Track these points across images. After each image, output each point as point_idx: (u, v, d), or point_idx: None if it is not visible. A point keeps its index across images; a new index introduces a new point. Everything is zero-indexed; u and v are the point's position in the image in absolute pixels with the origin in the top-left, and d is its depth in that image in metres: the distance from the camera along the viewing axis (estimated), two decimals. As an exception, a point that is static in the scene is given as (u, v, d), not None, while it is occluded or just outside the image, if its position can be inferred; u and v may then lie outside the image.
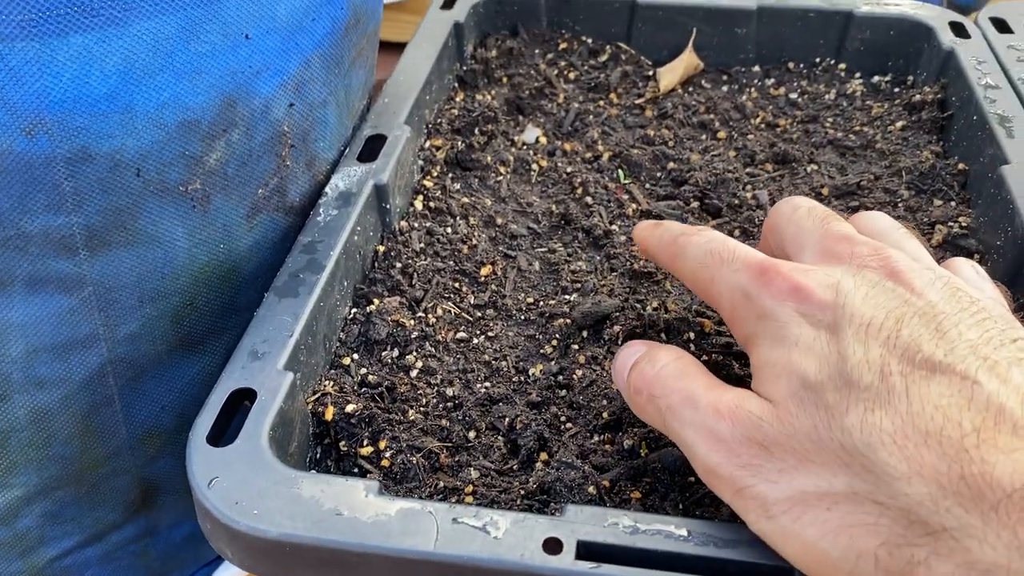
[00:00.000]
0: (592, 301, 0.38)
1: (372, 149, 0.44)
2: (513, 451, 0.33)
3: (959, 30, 0.52)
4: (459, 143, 0.49)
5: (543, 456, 0.33)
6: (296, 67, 0.36)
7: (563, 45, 0.58)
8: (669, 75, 0.55)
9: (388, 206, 0.42)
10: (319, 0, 0.36)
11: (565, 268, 0.42)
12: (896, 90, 0.53)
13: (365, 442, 0.33)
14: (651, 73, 0.56)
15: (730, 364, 0.35)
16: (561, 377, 0.36)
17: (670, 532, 0.27)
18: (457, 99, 0.53)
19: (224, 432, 0.31)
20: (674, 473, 0.31)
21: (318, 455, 0.34)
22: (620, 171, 0.48)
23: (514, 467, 0.33)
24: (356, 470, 0.33)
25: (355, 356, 0.37)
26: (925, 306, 0.26)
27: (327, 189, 0.41)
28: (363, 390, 0.35)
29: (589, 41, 0.58)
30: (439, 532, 0.26)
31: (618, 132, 0.51)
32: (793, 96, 0.54)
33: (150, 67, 0.31)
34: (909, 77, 0.54)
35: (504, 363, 0.37)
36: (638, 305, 0.38)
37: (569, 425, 0.34)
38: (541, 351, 0.38)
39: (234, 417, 0.31)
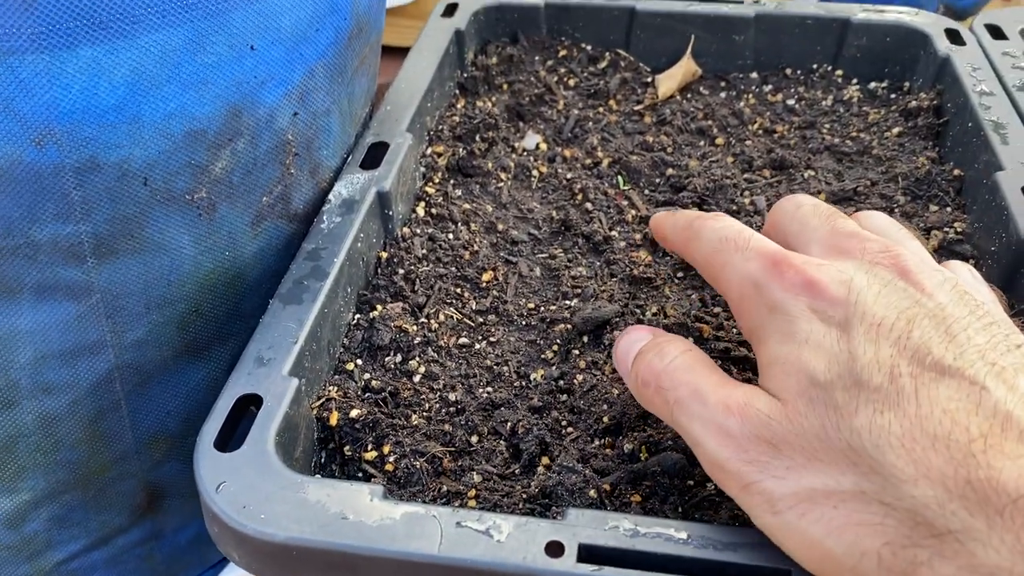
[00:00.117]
0: (592, 306, 0.39)
1: (375, 156, 0.44)
2: (515, 455, 0.34)
3: (954, 37, 0.52)
4: (460, 150, 0.49)
5: (544, 460, 0.33)
6: (300, 77, 0.37)
7: (563, 52, 0.58)
8: (668, 82, 0.55)
9: (391, 213, 0.43)
10: (323, 11, 0.37)
11: (565, 274, 0.42)
12: (892, 96, 0.54)
13: (369, 447, 0.33)
14: (650, 80, 0.56)
15: (729, 369, 0.35)
16: (562, 382, 0.37)
17: (670, 535, 0.27)
18: (458, 106, 0.54)
19: (231, 437, 0.31)
20: (674, 477, 0.32)
21: (323, 460, 0.34)
22: (619, 177, 0.48)
23: (516, 471, 0.33)
24: (360, 474, 0.33)
25: (359, 361, 0.37)
26: (935, 308, 0.26)
27: (330, 196, 0.41)
28: (367, 395, 0.36)
29: (588, 48, 0.58)
30: (443, 536, 0.27)
31: (617, 138, 0.52)
32: (791, 102, 0.54)
33: (157, 78, 0.31)
34: (905, 83, 0.55)
35: (506, 368, 0.38)
36: (638, 310, 0.39)
37: (570, 429, 0.34)
38: (542, 356, 0.38)
39: (240, 423, 0.32)
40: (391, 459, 0.33)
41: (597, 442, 0.34)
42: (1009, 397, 0.24)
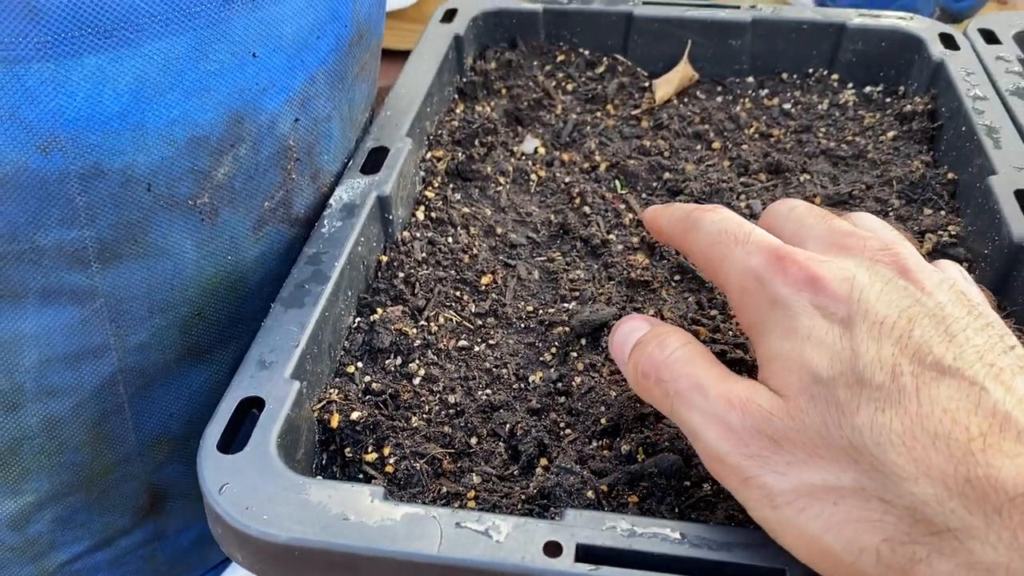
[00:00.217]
0: (590, 309, 0.39)
1: (375, 161, 0.45)
2: (514, 457, 0.34)
3: (948, 41, 0.53)
4: (459, 154, 0.50)
5: (543, 462, 0.34)
6: (301, 83, 0.37)
7: (561, 57, 0.59)
8: (665, 86, 0.56)
9: (390, 217, 0.43)
10: (324, 18, 0.37)
11: (564, 277, 0.43)
12: (888, 100, 0.54)
13: (370, 448, 0.34)
14: (647, 84, 0.57)
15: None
16: (560, 384, 0.37)
17: (666, 535, 0.27)
18: (457, 111, 0.54)
19: (233, 440, 0.31)
20: (670, 478, 0.32)
21: (324, 461, 0.35)
22: (617, 181, 0.49)
23: (515, 472, 0.34)
24: (361, 476, 0.34)
25: (359, 364, 0.38)
26: (935, 307, 0.26)
27: (331, 201, 0.42)
28: (367, 398, 0.36)
29: (586, 53, 0.59)
30: (443, 536, 0.27)
31: (615, 142, 0.52)
32: (787, 107, 0.55)
33: (161, 86, 0.32)
34: (900, 88, 0.55)
35: (505, 370, 0.38)
36: (635, 313, 0.39)
37: (568, 431, 0.35)
38: (541, 358, 0.39)
39: (243, 425, 0.32)
40: (391, 461, 0.33)
41: (595, 443, 0.34)
42: (1007, 398, 0.24)
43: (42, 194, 0.31)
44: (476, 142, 0.51)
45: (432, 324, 0.40)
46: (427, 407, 0.36)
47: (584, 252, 0.45)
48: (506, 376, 0.38)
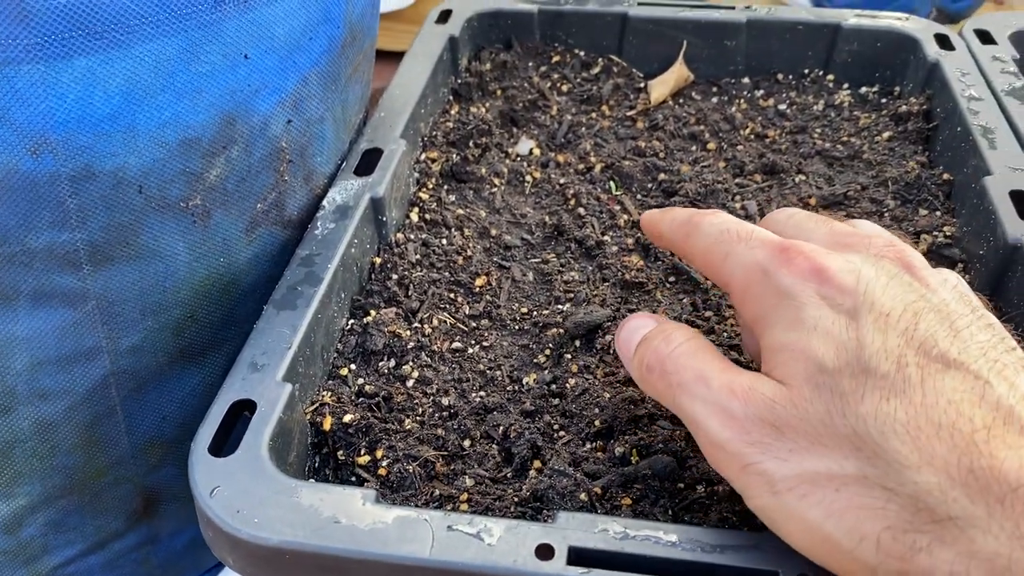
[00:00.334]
0: (584, 311, 0.39)
1: (368, 162, 0.44)
2: (507, 459, 0.34)
3: (944, 42, 0.53)
4: (454, 155, 0.49)
5: (536, 464, 0.34)
6: (294, 85, 0.37)
7: (556, 58, 0.59)
8: (660, 87, 0.56)
9: (384, 218, 0.43)
10: (316, 19, 0.37)
11: (558, 278, 0.43)
12: (883, 101, 0.54)
13: (362, 451, 0.34)
14: (642, 85, 0.57)
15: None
16: (554, 386, 0.37)
17: (659, 538, 0.27)
18: (452, 112, 0.54)
19: (225, 443, 0.31)
20: (664, 480, 0.32)
21: (316, 464, 0.35)
22: (612, 182, 0.49)
23: (508, 475, 0.33)
24: (354, 479, 0.34)
25: (352, 367, 0.38)
26: (940, 303, 0.27)
27: (324, 203, 0.42)
28: (360, 400, 0.36)
29: (581, 54, 0.59)
30: (434, 539, 0.27)
31: (610, 144, 0.52)
32: (782, 107, 0.55)
33: (152, 87, 0.32)
34: (896, 88, 0.55)
35: (498, 372, 0.38)
36: (629, 314, 0.39)
37: (562, 433, 0.35)
38: (535, 360, 0.39)
39: (235, 428, 0.32)
40: (384, 463, 0.33)
41: (588, 445, 0.34)
42: (1011, 393, 0.24)
43: (33, 196, 0.31)
44: (471, 143, 0.51)
45: (426, 326, 0.40)
46: (420, 409, 0.36)
47: (579, 253, 0.45)
48: (500, 378, 0.38)
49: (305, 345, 0.35)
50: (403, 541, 0.27)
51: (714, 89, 0.57)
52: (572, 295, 0.42)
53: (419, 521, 0.28)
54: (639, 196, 0.48)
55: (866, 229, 0.33)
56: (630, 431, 0.34)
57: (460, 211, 0.46)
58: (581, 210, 0.47)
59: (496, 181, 0.49)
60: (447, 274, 0.42)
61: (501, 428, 0.35)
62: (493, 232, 0.45)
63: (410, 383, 0.37)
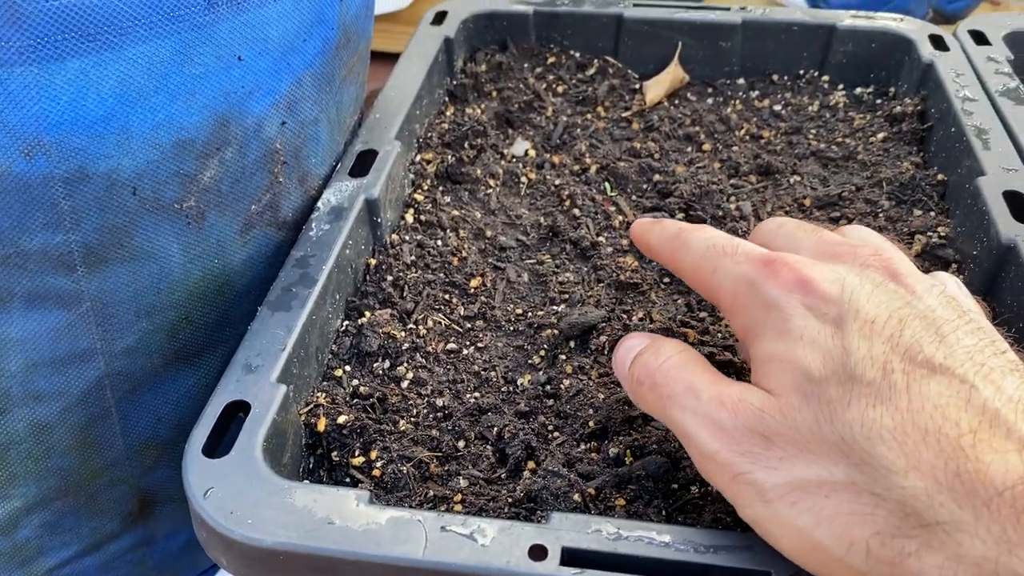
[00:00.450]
0: (579, 312, 0.39)
1: (363, 164, 0.44)
2: (501, 460, 0.34)
3: (938, 43, 0.53)
4: (449, 157, 0.49)
5: (530, 465, 0.34)
6: (288, 86, 0.37)
7: (551, 59, 0.59)
8: (655, 88, 0.56)
9: (379, 220, 0.43)
10: (310, 21, 0.37)
11: (553, 279, 0.43)
12: (878, 102, 0.54)
13: (357, 452, 0.34)
14: (638, 86, 0.57)
15: (713, 373, 0.35)
16: (549, 387, 0.37)
17: (652, 538, 0.27)
18: (447, 113, 0.54)
19: (219, 444, 0.31)
20: (658, 480, 0.32)
21: (311, 465, 0.35)
22: (607, 183, 0.49)
23: (502, 476, 0.33)
24: (348, 480, 0.34)
25: (347, 368, 0.38)
26: (925, 309, 0.27)
27: (319, 204, 0.42)
28: (355, 401, 0.36)
29: (577, 55, 0.59)
30: (428, 540, 0.27)
31: (605, 145, 0.52)
32: (777, 108, 0.55)
33: (145, 89, 0.32)
34: (890, 89, 0.55)
35: (493, 373, 0.38)
36: (624, 316, 0.39)
37: (556, 434, 0.35)
38: (529, 361, 0.39)
39: (229, 429, 0.32)
40: (378, 465, 0.33)
41: (583, 446, 0.34)
42: (997, 396, 0.24)
43: (26, 198, 0.31)
44: (466, 144, 0.51)
45: (421, 327, 0.40)
46: (415, 410, 0.36)
47: (574, 254, 0.45)
48: (494, 379, 0.38)
49: (299, 346, 0.35)
50: (397, 542, 0.27)
51: (709, 90, 0.57)
52: (567, 296, 0.42)
53: (413, 522, 0.28)
54: (634, 197, 0.48)
55: (856, 236, 0.33)
56: (624, 432, 0.34)
57: (455, 212, 0.46)
58: (576, 211, 0.47)
59: (491, 182, 0.49)
60: (442, 275, 0.43)
61: (495, 429, 0.35)
62: (488, 233, 0.46)
63: (405, 384, 0.37)
